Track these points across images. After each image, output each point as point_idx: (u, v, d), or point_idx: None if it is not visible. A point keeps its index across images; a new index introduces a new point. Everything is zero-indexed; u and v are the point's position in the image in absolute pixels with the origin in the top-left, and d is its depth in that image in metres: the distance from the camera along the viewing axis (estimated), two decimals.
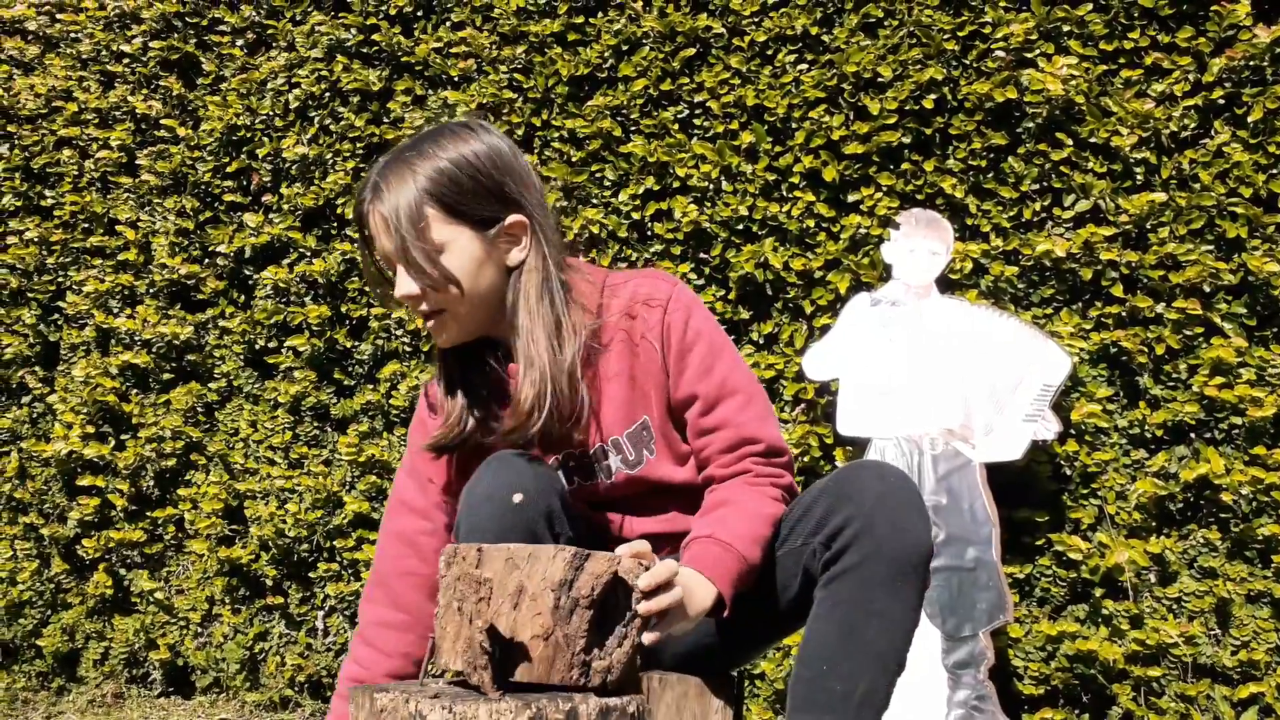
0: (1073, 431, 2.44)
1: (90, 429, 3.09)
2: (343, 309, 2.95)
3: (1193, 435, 2.39)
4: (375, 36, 2.97)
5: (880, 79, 2.59)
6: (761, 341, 2.66)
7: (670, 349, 1.36)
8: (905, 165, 2.58)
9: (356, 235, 1.44)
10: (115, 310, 3.16)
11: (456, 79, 2.92)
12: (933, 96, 2.55)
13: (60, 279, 3.23)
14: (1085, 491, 2.43)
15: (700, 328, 1.37)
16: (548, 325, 1.34)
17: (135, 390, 3.12)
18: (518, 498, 1.24)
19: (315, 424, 2.96)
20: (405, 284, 1.32)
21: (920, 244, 2.51)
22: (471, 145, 1.34)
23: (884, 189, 2.59)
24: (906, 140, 2.58)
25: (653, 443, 1.39)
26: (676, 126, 2.74)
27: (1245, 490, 2.31)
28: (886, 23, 2.61)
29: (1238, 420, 2.34)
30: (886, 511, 1.18)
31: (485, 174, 1.34)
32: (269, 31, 3.11)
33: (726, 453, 1.36)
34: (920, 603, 1.19)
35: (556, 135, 2.85)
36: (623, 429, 1.39)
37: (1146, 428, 2.41)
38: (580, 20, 2.84)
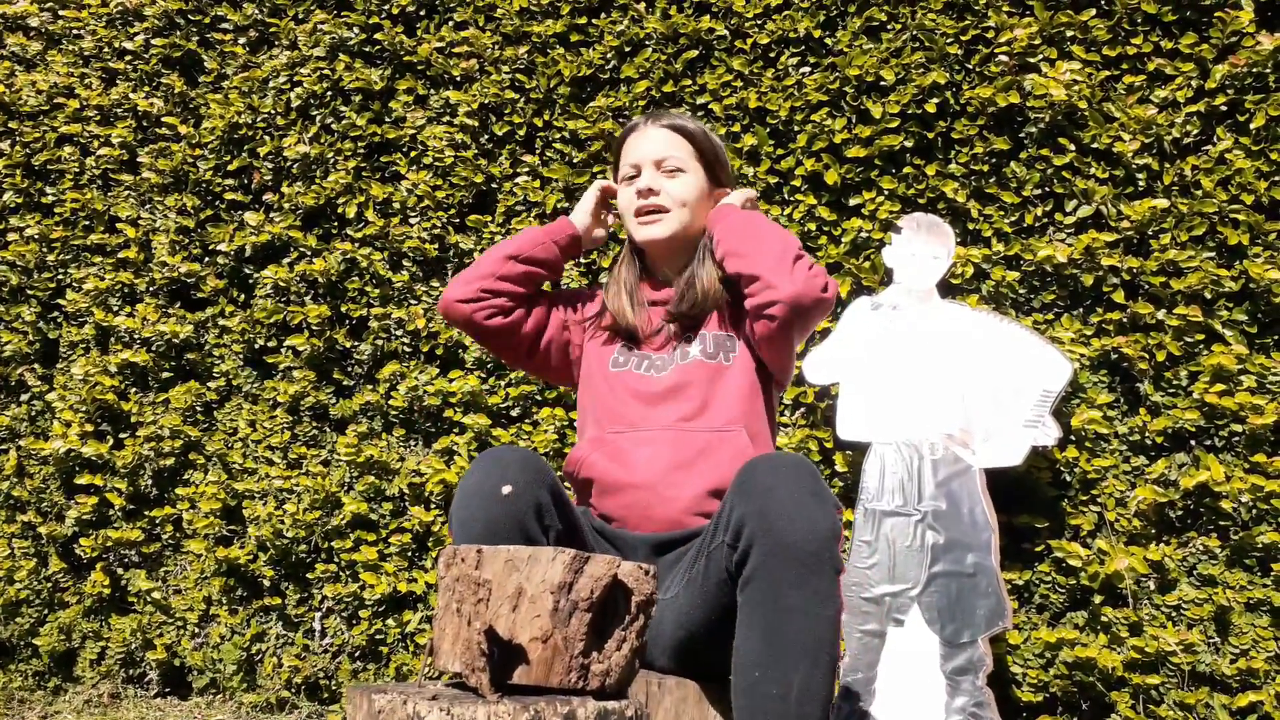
0: (1073, 438, 2.43)
1: (89, 427, 3.09)
2: (343, 309, 2.95)
3: (1193, 442, 2.38)
4: (378, 35, 2.97)
5: (883, 82, 2.58)
6: None
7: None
8: (907, 169, 2.58)
9: (614, 155, 1.79)
10: (115, 308, 3.15)
11: (459, 79, 2.92)
12: (935, 100, 2.55)
13: (60, 276, 3.23)
14: (1085, 498, 2.43)
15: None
16: (709, 269, 1.69)
17: (134, 389, 3.11)
18: (506, 490, 1.29)
19: (314, 424, 2.95)
20: (652, 179, 1.68)
21: (921, 248, 2.50)
22: (713, 131, 1.86)
23: (886, 193, 2.59)
24: (909, 144, 2.57)
25: (733, 355, 1.65)
26: None
27: (1245, 498, 2.30)
28: (889, 26, 2.61)
29: (1238, 427, 2.34)
30: (778, 506, 1.20)
31: (720, 150, 1.77)
32: (271, 30, 3.11)
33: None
34: (835, 586, 1.21)
35: (558, 136, 2.84)
36: (717, 330, 1.68)
37: (1147, 434, 2.40)
38: (583, 21, 2.84)
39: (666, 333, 1.70)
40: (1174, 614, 2.35)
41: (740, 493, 1.24)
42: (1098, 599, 2.38)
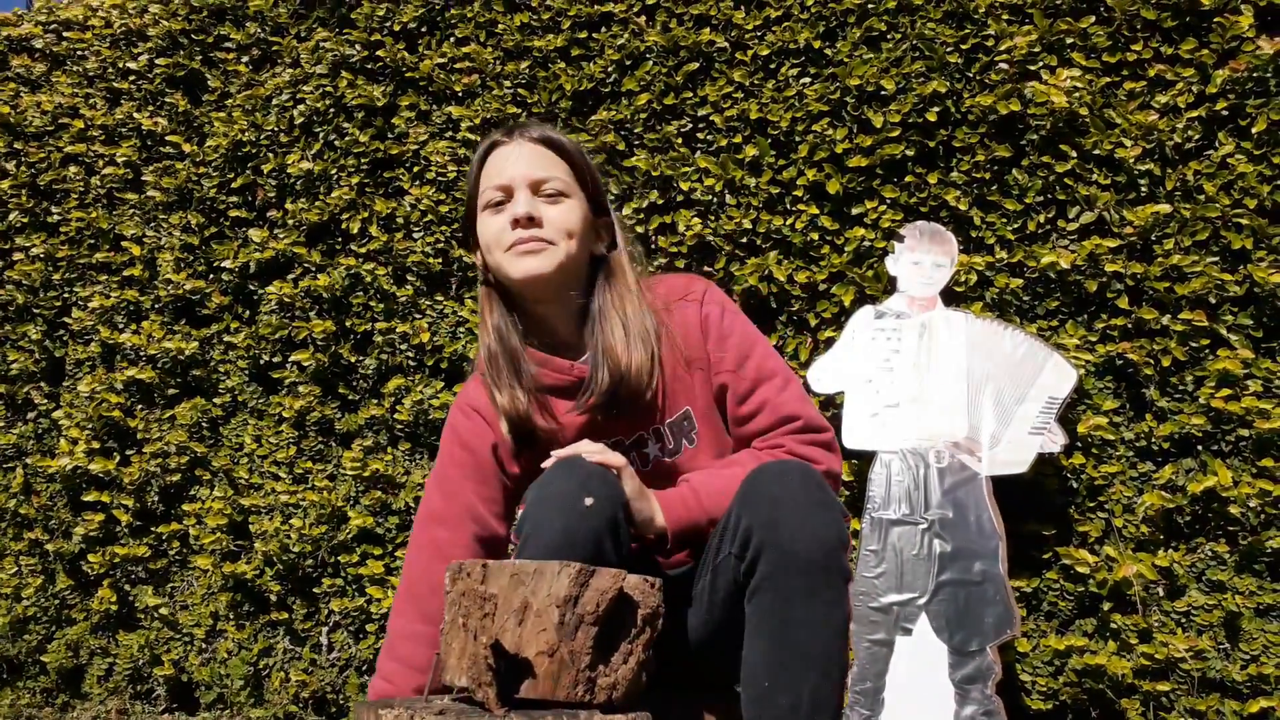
0: (1079, 444, 2.43)
1: (95, 444, 3.10)
2: (347, 324, 2.95)
3: (1200, 448, 2.37)
4: (380, 52, 2.98)
5: (883, 92, 2.59)
6: None
7: (709, 338, 1.45)
8: (909, 178, 2.58)
9: (471, 175, 1.50)
10: (120, 326, 3.16)
11: (461, 94, 2.93)
12: (936, 109, 2.55)
13: (66, 295, 3.24)
14: (1092, 504, 2.42)
15: (734, 319, 1.47)
16: (628, 316, 1.42)
17: (140, 405, 3.12)
18: (588, 501, 1.23)
19: (319, 439, 2.96)
20: (530, 205, 1.40)
21: (925, 256, 2.50)
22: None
23: (888, 202, 2.59)
24: (910, 153, 2.58)
25: (694, 433, 1.45)
26: (680, 140, 2.75)
27: (1253, 503, 2.29)
28: (889, 36, 2.62)
29: (1245, 432, 2.33)
30: (785, 516, 1.18)
31: (596, 171, 1.51)
32: (274, 48, 3.12)
33: (765, 432, 1.42)
34: (844, 594, 1.19)
35: None
36: (665, 418, 1.45)
37: (1153, 440, 2.40)
38: (583, 35, 2.85)
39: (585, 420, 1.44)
40: (1183, 620, 2.34)
41: (746, 503, 1.23)
42: (1106, 606, 2.37)
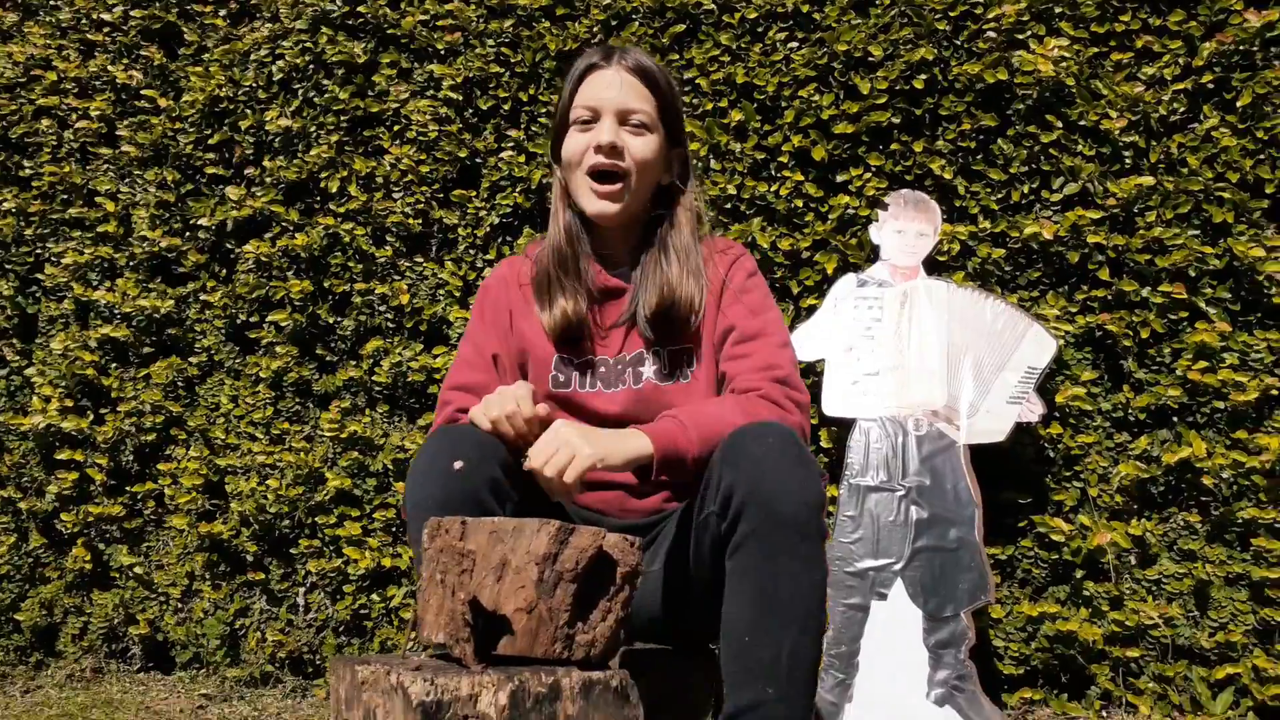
0: (1057, 414, 2.44)
1: (69, 403, 3.06)
2: (325, 284, 2.92)
3: (1175, 419, 2.40)
4: (361, 8, 2.93)
5: (871, 58, 2.57)
6: None
7: (729, 287, 1.53)
8: (894, 146, 2.57)
9: (565, 88, 1.56)
10: (94, 283, 3.11)
11: (443, 52, 2.89)
12: (923, 77, 2.54)
13: (39, 250, 3.19)
14: (1068, 474, 2.44)
15: (759, 283, 1.56)
16: (684, 248, 1.53)
17: (114, 364, 3.08)
18: (457, 465, 1.26)
19: (297, 400, 2.93)
20: (614, 133, 1.49)
21: (908, 225, 2.50)
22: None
23: (873, 169, 2.58)
24: (896, 120, 2.57)
25: (689, 369, 1.51)
26: None
27: (1226, 474, 2.32)
28: (878, 1, 2.60)
29: (1220, 404, 2.35)
30: (767, 475, 1.20)
31: (680, 101, 1.57)
32: (252, 2, 3.06)
33: (749, 374, 1.45)
34: (822, 553, 1.21)
35: (544, 110, 2.82)
36: (669, 343, 1.52)
37: (1130, 411, 2.42)
38: None
39: (619, 334, 1.54)
40: (1154, 588, 2.37)
41: (728, 462, 1.23)
42: (1079, 573, 2.40)
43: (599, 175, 1.50)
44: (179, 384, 3.02)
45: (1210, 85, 2.41)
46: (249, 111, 3.01)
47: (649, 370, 1.52)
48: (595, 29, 2.77)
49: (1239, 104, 2.37)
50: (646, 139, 1.51)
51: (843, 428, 2.47)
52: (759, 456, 1.21)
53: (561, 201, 1.57)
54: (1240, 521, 2.32)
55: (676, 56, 2.72)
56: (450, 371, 1.56)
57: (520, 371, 1.56)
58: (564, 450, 1.26)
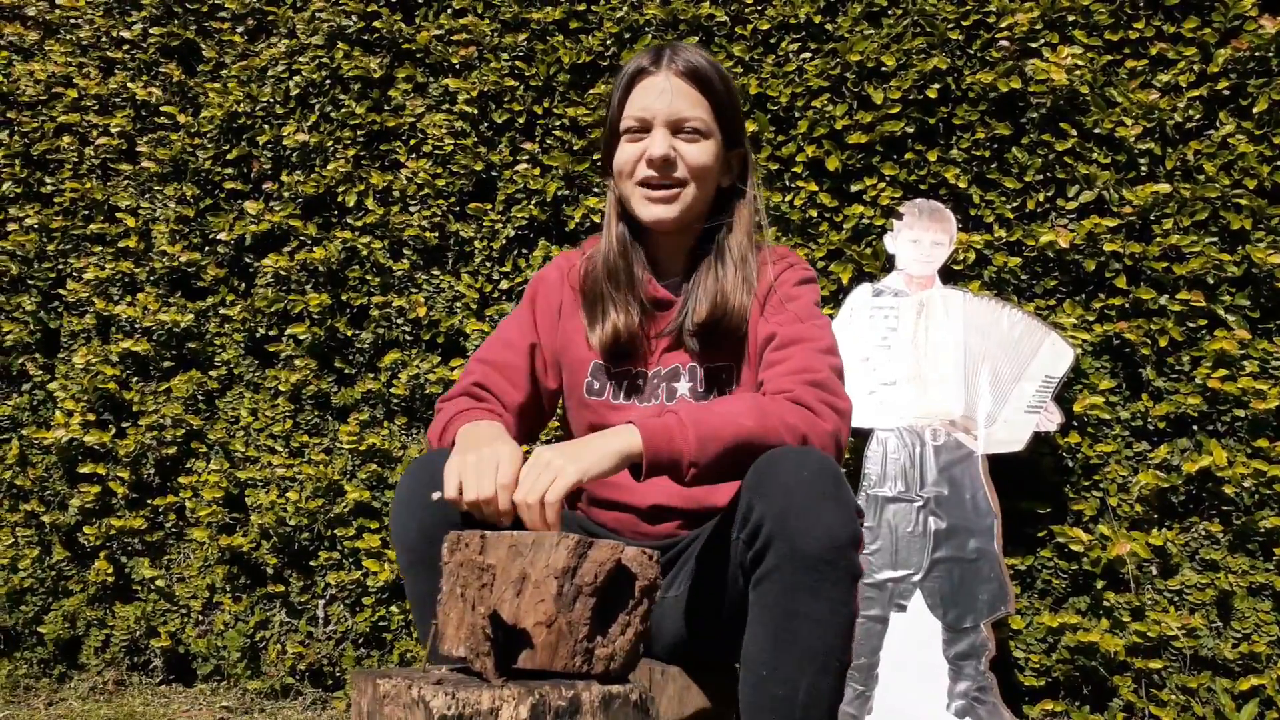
0: (1075, 423, 2.43)
1: (91, 416, 3.09)
2: (343, 297, 2.94)
3: (1195, 428, 2.38)
4: (376, 23, 2.96)
5: (884, 68, 2.57)
6: None
7: (774, 293, 1.44)
8: (908, 155, 2.57)
9: (614, 95, 1.48)
10: (116, 297, 3.15)
11: (458, 66, 2.91)
12: (936, 86, 2.54)
13: (60, 266, 3.22)
14: (1087, 483, 2.43)
15: (808, 290, 1.46)
16: (740, 259, 1.45)
17: (136, 378, 3.11)
18: (435, 496, 1.22)
19: (316, 412, 2.95)
20: (666, 146, 1.41)
21: (923, 234, 2.50)
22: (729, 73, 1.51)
23: (887, 179, 2.58)
24: (910, 130, 2.57)
25: (729, 388, 1.44)
26: None
27: (1247, 483, 2.31)
28: (890, 11, 2.60)
29: (1240, 413, 2.34)
30: (797, 508, 1.13)
31: (738, 100, 1.49)
32: (269, 18, 3.09)
33: (780, 378, 1.35)
34: (851, 592, 1.14)
35: (558, 123, 2.84)
36: (710, 359, 1.46)
37: (1149, 420, 2.41)
38: (582, 8, 2.83)
39: (661, 345, 1.48)
40: (1176, 599, 2.35)
41: (759, 492, 1.17)
42: (1100, 584, 2.38)
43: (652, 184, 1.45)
44: (199, 397, 3.05)
45: (1226, 92, 2.40)
46: (266, 127, 3.04)
47: (683, 387, 1.46)
48: (609, 42, 2.79)
49: (1255, 110, 2.36)
50: (702, 145, 1.44)
51: (860, 438, 2.47)
52: (790, 487, 1.15)
53: (614, 212, 1.50)
54: (1263, 531, 2.31)
55: None
56: (484, 343, 1.52)
57: (557, 369, 1.53)
58: (544, 474, 1.16)
